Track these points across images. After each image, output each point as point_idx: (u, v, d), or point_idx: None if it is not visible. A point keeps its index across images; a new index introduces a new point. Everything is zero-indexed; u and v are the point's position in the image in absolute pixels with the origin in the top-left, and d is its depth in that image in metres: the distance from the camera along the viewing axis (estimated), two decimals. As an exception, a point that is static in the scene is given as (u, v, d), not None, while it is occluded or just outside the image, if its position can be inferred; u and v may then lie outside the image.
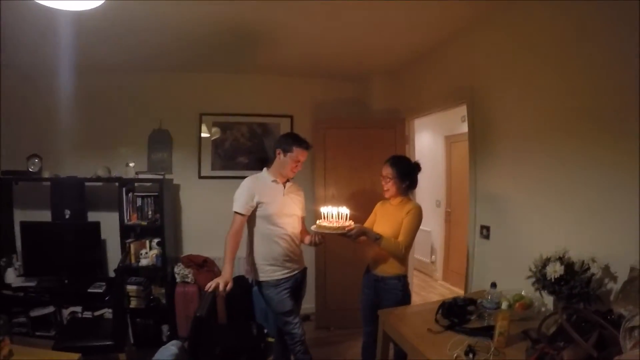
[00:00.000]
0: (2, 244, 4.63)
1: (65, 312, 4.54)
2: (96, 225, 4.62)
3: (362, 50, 4.44)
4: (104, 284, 4.56)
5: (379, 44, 4.24)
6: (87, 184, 4.71)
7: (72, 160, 4.98)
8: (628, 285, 2.13)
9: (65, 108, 4.89)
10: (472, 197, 3.78)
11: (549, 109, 2.85)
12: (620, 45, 2.29)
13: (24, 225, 4.59)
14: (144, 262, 4.63)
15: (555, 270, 2.34)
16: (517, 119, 3.18)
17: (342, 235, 3.01)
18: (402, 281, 3.20)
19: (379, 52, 4.51)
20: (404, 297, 3.21)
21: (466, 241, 3.89)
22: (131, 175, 4.69)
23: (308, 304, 4.83)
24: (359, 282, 3.47)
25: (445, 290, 6.85)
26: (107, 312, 4.49)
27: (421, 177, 3.33)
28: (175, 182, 5.30)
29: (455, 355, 2.10)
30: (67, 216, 4.70)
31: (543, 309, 2.60)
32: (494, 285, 2.72)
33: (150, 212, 4.74)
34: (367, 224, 3.32)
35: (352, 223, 3.06)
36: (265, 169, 3.38)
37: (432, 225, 7.55)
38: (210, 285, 2.91)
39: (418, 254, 7.33)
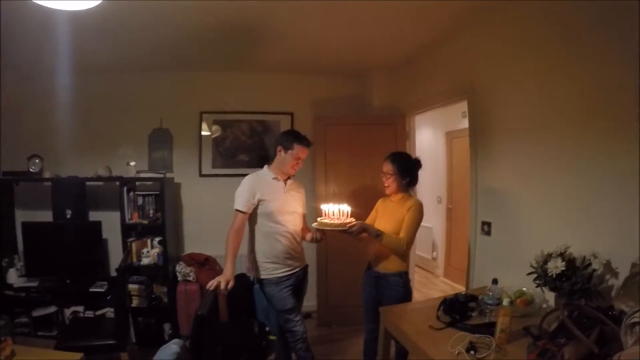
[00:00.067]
0: (3, 244, 4.63)
1: (67, 312, 4.55)
2: (97, 225, 4.62)
3: (362, 47, 4.43)
4: (105, 283, 4.56)
5: (379, 40, 4.23)
6: (88, 183, 4.72)
7: (72, 160, 4.99)
8: (629, 281, 2.12)
9: (65, 108, 4.90)
10: (473, 193, 3.78)
11: (550, 104, 2.84)
12: (621, 41, 2.28)
13: (26, 225, 4.60)
14: (145, 261, 4.63)
15: (556, 266, 2.34)
16: (518, 114, 3.17)
17: (343, 232, 3.00)
18: (404, 278, 3.20)
19: (379, 48, 4.50)
20: (405, 294, 3.21)
21: (467, 237, 3.89)
22: (132, 174, 4.68)
23: (309, 302, 4.84)
24: (360, 280, 3.47)
25: (446, 286, 6.84)
26: (109, 312, 4.49)
27: (422, 173, 3.33)
28: (176, 180, 5.30)
29: (456, 352, 2.09)
30: (68, 216, 4.70)
31: (544, 305, 2.60)
32: (495, 281, 2.72)
33: (151, 211, 4.74)
34: (368, 221, 3.32)
35: (353, 220, 3.06)
36: (266, 166, 3.37)
37: (433, 222, 7.54)
38: (211, 284, 2.92)
39: (419, 250, 7.32)
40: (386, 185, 3.25)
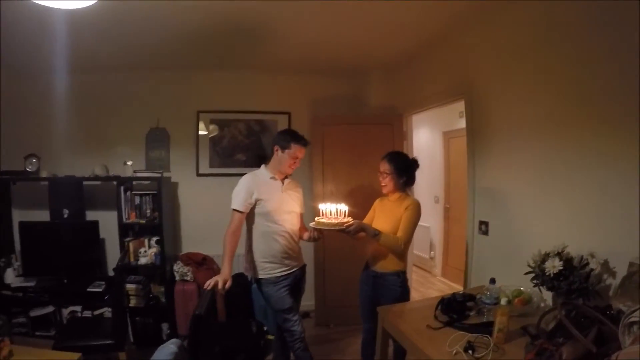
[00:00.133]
0: (1, 244, 4.63)
1: (65, 312, 4.54)
2: (95, 224, 4.62)
3: (360, 47, 4.43)
4: (103, 283, 4.55)
5: (376, 40, 4.23)
6: (85, 183, 4.72)
7: (69, 159, 4.98)
8: (627, 281, 2.13)
9: (62, 107, 4.89)
10: (470, 192, 3.78)
11: (547, 104, 2.85)
12: (621, 41, 2.29)
13: (23, 225, 4.59)
14: (143, 260, 4.62)
15: (554, 265, 2.35)
16: (516, 114, 3.18)
17: (341, 231, 3.01)
18: (401, 277, 3.20)
19: (377, 48, 4.50)
20: (403, 294, 3.21)
21: (465, 237, 3.89)
22: (129, 173, 4.69)
23: (307, 301, 4.84)
24: (358, 279, 3.47)
25: (444, 286, 6.85)
26: (107, 311, 4.48)
27: (419, 173, 3.34)
28: (173, 180, 5.30)
29: (454, 351, 2.10)
30: (65, 215, 4.69)
31: (542, 305, 2.61)
32: (493, 281, 2.72)
33: (148, 211, 4.74)
34: (365, 221, 3.33)
35: (351, 219, 3.06)
36: (263, 166, 3.37)
37: (431, 221, 7.55)
38: (209, 283, 2.92)
39: (417, 250, 7.34)
40: (383, 184, 3.26)
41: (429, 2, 3.26)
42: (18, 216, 4.82)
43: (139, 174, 4.76)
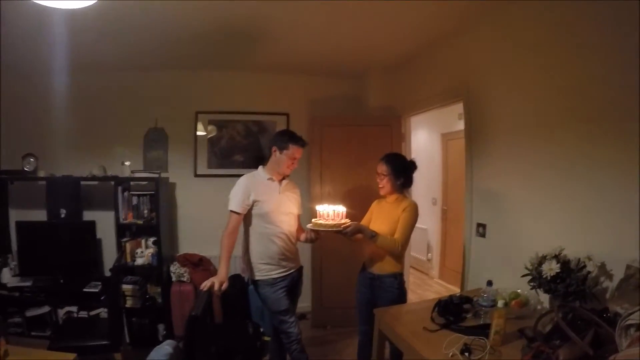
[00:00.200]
0: (-3, 243, 4.61)
1: (61, 312, 4.53)
2: (92, 225, 4.61)
3: (359, 48, 4.42)
4: (99, 283, 4.53)
5: (375, 42, 4.23)
6: (82, 183, 4.71)
7: (67, 159, 4.95)
8: (624, 283, 2.13)
9: (60, 107, 4.87)
10: (468, 194, 3.78)
11: (545, 106, 2.85)
12: (618, 42, 2.29)
13: (20, 224, 4.57)
14: (139, 261, 4.61)
15: (551, 268, 2.35)
16: (514, 116, 3.19)
17: (338, 232, 3.01)
18: (398, 279, 3.20)
19: (376, 49, 4.50)
20: (400, 296, 3.20)
21: (462, 239, 3.89)
22: (127, 174, 4.67)
23: (304, 303, 4.83)
24: (355, 281, 3.46)
25: (441, 288, 6.86)
26: (103, 312, 4.47)
27: (417, 175, 3.34)
28: (171, 180, 5.29)
29: (451, 353, 2.09)
30: (62, 215, 4.69)
31: (539, 307, 2.60)
32: (490, 283, 2.72)
33: (146, 211, 4.72)
34: (363, 222, 3.32)
35: (348, 221, 3.06)
36: (260, 167, 3.37)
37: (429, 223, 7.54)
38: (205, 285, 2.91)
39: (414, 251, 7.34)
40: (380, 186, 3.26)
41: (428, 3, 3.25)
42: (15, 216, 4.80)
43: (137, 174, 4.75)
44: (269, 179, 3.28)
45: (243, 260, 3.39)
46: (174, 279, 4.72)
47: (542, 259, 2.46)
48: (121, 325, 4.22)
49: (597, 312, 1.94)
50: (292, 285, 3.36)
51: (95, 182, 4.76)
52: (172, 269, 4.77)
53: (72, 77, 4.78)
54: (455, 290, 5.02)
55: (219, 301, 4.55)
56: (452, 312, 2.57)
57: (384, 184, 3.22)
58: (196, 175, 5.42)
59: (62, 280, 4.53)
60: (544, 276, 2.38)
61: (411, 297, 4.83)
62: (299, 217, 3.48)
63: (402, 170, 3.22)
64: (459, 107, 4.00)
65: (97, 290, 4.44)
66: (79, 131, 5.06)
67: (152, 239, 4.69)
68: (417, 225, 3.22)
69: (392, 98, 5.38)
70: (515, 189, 3.19)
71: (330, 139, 5.13)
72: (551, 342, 1.84)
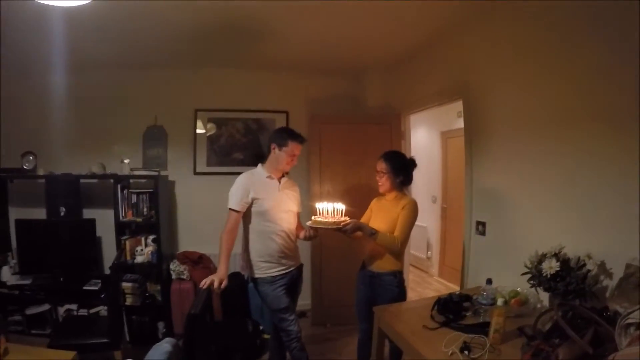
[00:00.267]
0: (-3, 241, 4.61)
1: (61, 310, 4.54)
2: (91, 223, 4.61)
3: (358, 46, 4.42)
4: (99, 281, 4.53)
5: (375, 40, 4.22)
6: (82, 180, 4.70)
7: (66, 157, 4.95)
8: (624, 282, 2.13)
9: (59, 105, 4.87)
10: (467, 193, 3.78)
11: (545, 103, 2.85)
12: (620, 41, 2.28)
13: (19, 223, 4.57)
14: (139, 259, 4.61)
15: (551, 266, 2.35)
16: (514, 114, 3.18)
17: (338, 230, 3.02)
18: (398, 277, 3.20)
19: (375, 47, 4.49)
20: (400, 294, 3.20)
21: (462, 237, 3.89)
22: (126, 171, 4.66)
23: (304, 301, 4.81)
24: (355, 278, 3.46)
25: (440, 286, 6.86)
26: (103, 310, 4.47)
27: (417, 173, 3.33)
28: (170, 178, 5.28)
29: (450, 352, 2.09)
30: (62, 213, 4.68)
31: (539, 306, 2.60)
32: (489, 281, 2.72)
33: (145, 209, 4.72)
34: (362, 220, 3.31)
35: (348, 218, 3.06)
36: (260, 165, 3.36)
37: (428, 221, 7.55)
38: (204, 282, 2.91)
39: (414, 249, 7.34)
40: (380, 183, 3.26)
41: (428, 2, 3.25)
42: (15, 214, 4.79)
43: (136, 172, 4.75)
44: (268, 176, 3.27)
45: (242, 258, 3.38)
46: (173, 276, 4.73)
47: (542, 257, 2.46)
48: (121, 323, 4.22)
49: (596, 311, 1.93)
50: (292, 283, 3.36)
51: (95, 180, 4.77)
52: (171, 266, 4.78)
53: (71, 75, 4.80)
54: (455, 288, 5.02)
55: (219, 299, 4.56)
56: (451, 310, 2.57)
57: (384, 181, 3.22)
58: (195, 173, 5.42)
59: (62, 278, 4.53)
60: (544, 274, 2.37)
61: (411, 295, 4.83)
62: (298, 214, 3.48)
63: (402, 168, 3.22)
64: (458, 105, 4.00)
65: (97, 288, 4.44)
66: (78, 129, 5.05)
67: (151, 237, 4.69)
68: (417, 223, 3.22)
69: (392, 96, 5.38)
70: (515, 187, 3.19)
71: (330, 137, 5.12)
72: (551, 340, 1.84)
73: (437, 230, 7.43)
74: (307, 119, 5.29)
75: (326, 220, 3.04)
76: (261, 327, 4.46)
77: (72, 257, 4.59)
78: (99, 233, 4.68)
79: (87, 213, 4.83)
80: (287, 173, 3.40)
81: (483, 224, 3.56)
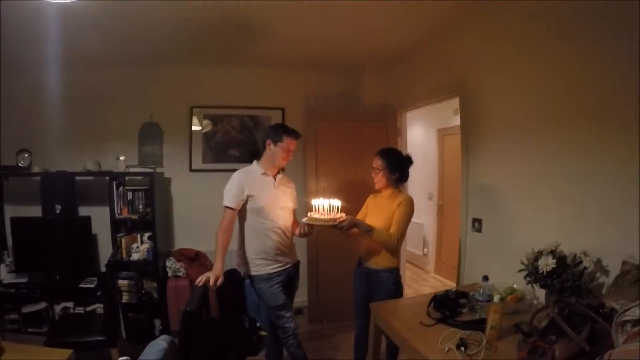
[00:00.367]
0: (-8, 240, 4.59)
1: (57, 308, 4.53)
2: (87, 220, 4.60)
3: (355, 43, 4.42)
4: (95, 279, 4.54)
5: (371, 37, 4.22)
6: (77, 178, 4.70)
7: (62, 154, 4.93)
8: (620, 279, 2.13)
9: (54, 102, 4.85)
10: (464, 190, 3.78)
11: (541, 101, 2.85)
12: (619, 39, 2.27)
13: (15, 220, 4.55)
14: (135, 256, 4.58)
15: (547, 263, 2.34)
16: (510, 111, 3.18)
17: (334, 227, 3.00)
18: (394, 274, 3.21)
19: (371, 44, 4.49)
20: (396, 290, 3.21)
21: (458, 234, 3.89)
22: (122, 169, 4.64)
23: (300, 297, 4.81)
24: (351, 275, 3.46)
25: (437, 282, 6.87)
26: (99, 308, 4.48)
27: (413, 170, 3.34)
28: (166, 175, 5.28)
29: (447, 348, 2.10)
30: (57, 211, 4.67)
31: (535, 302, 2.61)
32: (486, 278, 2.73)
33: (141, 206, 4.70)
34: (358, 217, 3.31)
35: (344, 215, 3.05)
36: (255, 162, 3.35)
37: (424, 218, 7.56)
38: (200, 280, 2.91)
39: (410, 246, 7.34)
40: (375, 180, 3.26)
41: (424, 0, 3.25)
42: (10, 212, 4.77)
43: (132, 169, 4.72)
44: (263, 173, 3.26)
45: (239, 255, 3.38)
46: (169, 274, 4.72)
47: (538, 254, 2.46)
48: (117, 320, 4.22)
49: (593, 308, 1.94)
50: (289, 280, 3.35)
51: (90, 177, 4.76)
52: (167, 264, 4.76)
53: (66, 72, 4.77)
54: (451, 285, 5.03)
55: (216, 296, 4.55)
56: (448, 306, 2.57)
57: (379, 178, 3.22)
58: (191, 170, 5.41)
59: (58, 276, 4.53)
60: (540, 271, 2.37)
61: (407, 291, 4.84)
62: (294, 211, 3.47)
63: (398, 165, 3.21)
64: (455, 103, 3.99)
65: (93, 286, 4.45)
66: (73, 126, 5.03)
67: (147, 234, 4.67)
68: (413, 220, 3.23)
69: (388, 93, 5.38)
70: (511, 184, 3.19)
71: (326, 134, 5.12)
72: (547, 337, 1.84)
73: (433, 227, 7.43)
74: (304, 116, 5.29)
75: (322, 217, 3.03)
76: (258, 324, 4.46)
77: (68, 255, 4.58)
78: (94, 230, 4.67)
79: (83, 210, 4.82)
80: (283, 169, 3.40)
81: (479, 221, 3.57)
